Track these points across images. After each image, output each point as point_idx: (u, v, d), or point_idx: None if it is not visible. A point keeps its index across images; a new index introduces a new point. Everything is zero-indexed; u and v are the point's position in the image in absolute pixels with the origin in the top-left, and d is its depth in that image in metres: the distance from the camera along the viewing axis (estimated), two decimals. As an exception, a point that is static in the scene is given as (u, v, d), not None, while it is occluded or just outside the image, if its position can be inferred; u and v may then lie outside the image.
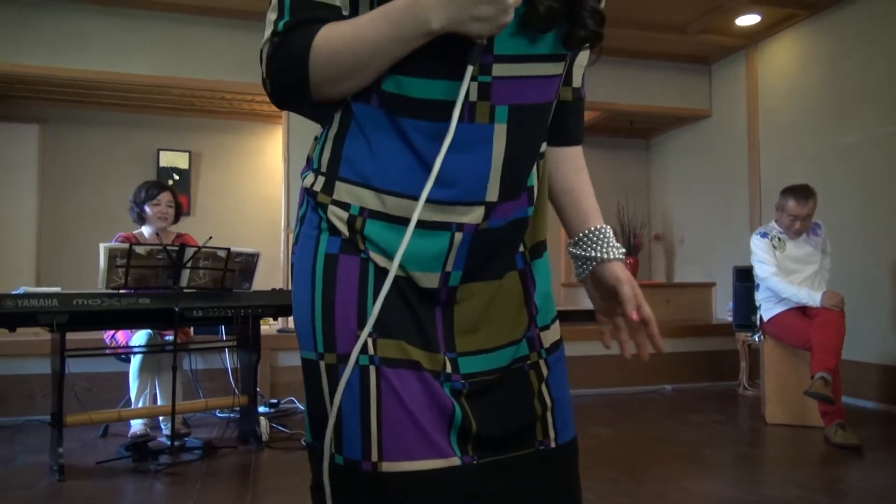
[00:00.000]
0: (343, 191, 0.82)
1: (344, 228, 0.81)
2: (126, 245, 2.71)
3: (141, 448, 2.86)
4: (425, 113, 0.78)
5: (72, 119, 5.32)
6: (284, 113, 4.63)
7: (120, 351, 3.23)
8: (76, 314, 2.62)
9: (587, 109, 4.86)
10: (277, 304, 3.18)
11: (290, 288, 3.93)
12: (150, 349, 3.10)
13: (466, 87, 0.75)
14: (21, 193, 5.15)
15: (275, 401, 3.89)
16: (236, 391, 3.36)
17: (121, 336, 3.24)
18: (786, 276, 3.48)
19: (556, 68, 0.84)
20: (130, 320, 2.90)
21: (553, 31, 0.80)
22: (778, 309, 3.53)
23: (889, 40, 3.98)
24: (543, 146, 0.91)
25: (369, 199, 0.81)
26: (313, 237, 0.83)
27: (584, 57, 1.00)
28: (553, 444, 0.92)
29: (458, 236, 0.81)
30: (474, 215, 0.81)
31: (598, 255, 0.96)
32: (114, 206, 5.19)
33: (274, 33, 0.78)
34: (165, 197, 3.33)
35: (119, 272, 2.71)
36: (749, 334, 4.40)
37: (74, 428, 2.91)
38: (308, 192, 0.85)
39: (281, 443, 3.18)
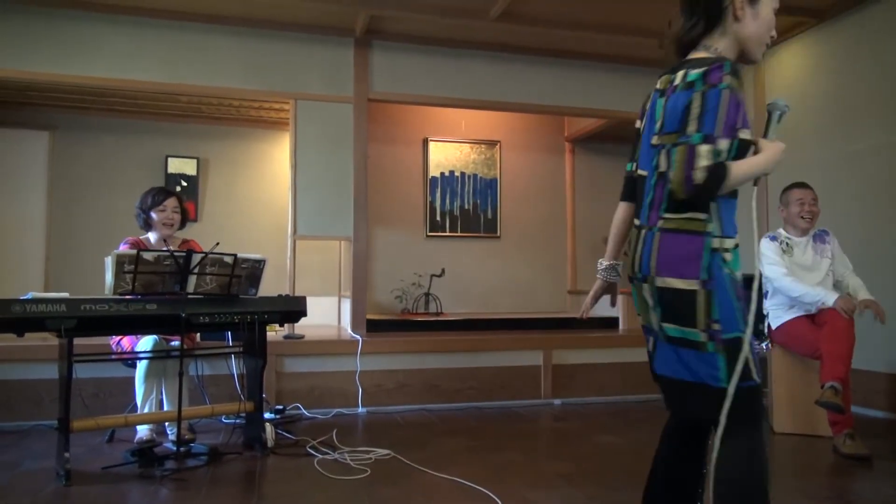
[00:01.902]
0: (728, 241, 1.59)
1: (729, 256, 1.58)
2: (134, 251, 2.72)
3: (147, 454, 2.87)
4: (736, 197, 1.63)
5: (81, 126, 5.37)
6: (292, 120, 4.65)
7: (126, 357, 3.24)
8: (84, 319, 2.64)
9: (597, 116, 4.82)
10: (283, 310, 3.19)
11: (296, 294, 3.92)
12: (157, 355, 3.11)
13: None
14: (30, 199, 5.18)
15: (280, 407, 3.89)
16: (242, 397, 3.36)
17: (126, 342, 3.25)
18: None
19: None
20: (138, 326, 2.91)
21: None
22: (787, 317, 3.51)
23: (894, 47, 3.98)
24: None
25: (732, 243, 1.60)
26: (722, 270, 1.55)
27: None
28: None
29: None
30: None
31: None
32: (122, 211, 5.21)
33: (717, 163, 1.48)
34: (171, 203, 3.34)
35: (127, 278, 2.72)
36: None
37: (81, 433, 2.92)
38: (715, 250, 1.55)
39: (286, 449, 3.17)
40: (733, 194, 1.61)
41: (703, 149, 1.47)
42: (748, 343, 1.50)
